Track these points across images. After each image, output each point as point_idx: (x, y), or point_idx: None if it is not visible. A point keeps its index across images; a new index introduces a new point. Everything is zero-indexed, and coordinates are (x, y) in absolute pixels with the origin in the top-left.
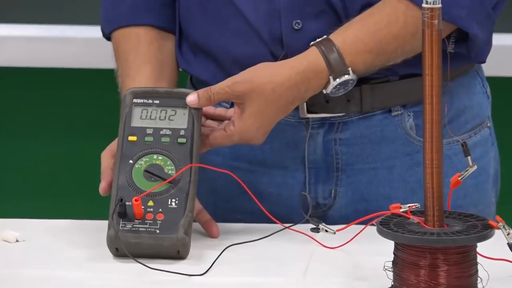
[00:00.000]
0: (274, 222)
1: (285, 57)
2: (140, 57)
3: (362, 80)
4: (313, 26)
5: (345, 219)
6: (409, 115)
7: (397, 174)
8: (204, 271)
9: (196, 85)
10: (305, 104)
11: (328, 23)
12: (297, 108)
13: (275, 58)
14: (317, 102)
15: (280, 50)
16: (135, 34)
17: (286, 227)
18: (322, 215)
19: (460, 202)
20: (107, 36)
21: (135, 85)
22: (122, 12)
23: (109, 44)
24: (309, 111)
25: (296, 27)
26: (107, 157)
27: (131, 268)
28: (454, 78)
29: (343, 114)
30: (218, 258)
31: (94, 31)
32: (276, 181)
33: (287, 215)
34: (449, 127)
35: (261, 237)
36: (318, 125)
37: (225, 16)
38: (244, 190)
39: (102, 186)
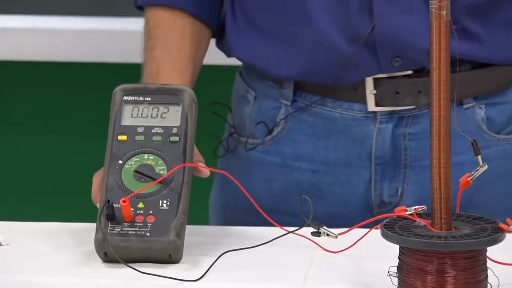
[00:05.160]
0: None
1: (372, 29)
2: (184, 53)
3: None
4: None
5: None
6: (480, 107)
7: (466, 171)
8: (199, 277)
9: (249, 80)
10: (373, 97)
11: None
12: (364, 102)
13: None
14: (386, 94)
15: (368, 21)
16: (181, 21)
17: (289, 232)
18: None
19: None
20: (139, 7)
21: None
22: None
23: (96, 37)
24: (377, 104)
25: None
26: (97, 178)
27: (121, 273)
28: None
29: (413, 106)
30: (214, 264)
31: (82, 22)
32: (340, 180)
33: (349, 215)
34: (509, 129)
35: (259, 243)
36: (386, 119)
37: None
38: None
39: None
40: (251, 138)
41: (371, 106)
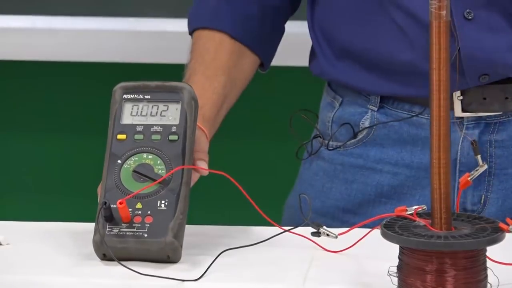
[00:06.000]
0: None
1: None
2: (218, 62)
3: None
4: (485, 15)
5: None
6: None
7: None
8: (199, 277)
9: (337, 89)
10: (460, 102)
11: (501, 11)
12: (451, 108)
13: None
14: (473, 100)
15: (451, 42)
16: (219, 37)
17: (285, 231)
18: None
19: None
20: (190, 34)
21: (210, 89)
22: (203, 13)
23: (96, 37)
24: (463, 110)
25: (468, 17)
26: None
27: (121, 272)
28: None
29: (500, 113)
30: (214, 263)
31: (82, 22)
32: (421, 184)
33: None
34: None
35: (259, 241)
36: (473, 125)
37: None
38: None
39: None
40: (334, 140)
41: (458, 111)
